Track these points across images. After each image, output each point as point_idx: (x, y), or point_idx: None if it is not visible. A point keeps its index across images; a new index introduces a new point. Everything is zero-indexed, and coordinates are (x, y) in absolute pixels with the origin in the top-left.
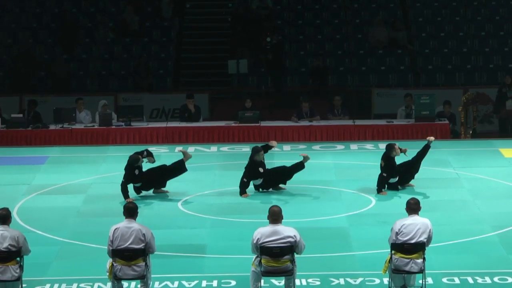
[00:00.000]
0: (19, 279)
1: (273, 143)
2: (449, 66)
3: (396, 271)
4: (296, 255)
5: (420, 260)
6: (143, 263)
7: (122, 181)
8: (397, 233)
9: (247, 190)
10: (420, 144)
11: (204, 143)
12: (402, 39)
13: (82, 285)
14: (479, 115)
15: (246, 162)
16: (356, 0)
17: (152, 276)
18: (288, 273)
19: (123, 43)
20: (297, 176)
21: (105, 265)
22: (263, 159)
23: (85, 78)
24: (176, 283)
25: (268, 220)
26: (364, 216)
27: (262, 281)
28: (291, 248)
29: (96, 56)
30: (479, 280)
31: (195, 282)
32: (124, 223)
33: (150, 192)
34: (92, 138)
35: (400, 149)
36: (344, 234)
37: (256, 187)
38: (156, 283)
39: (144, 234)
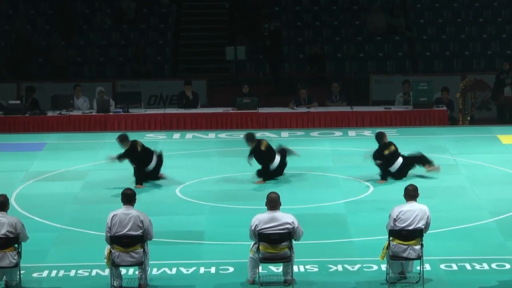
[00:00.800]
0: (17, 265)
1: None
2: (447, 53)
3: (394, 257)
4: (294, 242)
5: (418, 247)
6: (141, 250)
7: (135, 167)
8: (395, 220)
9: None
10: (418, 131)
11: (202, 129)
12: (400, 26)
13: (80, 271)
14: (477, 102)
15: (245, 148)
16: None
17: (150, 262)
18: (286, 260)
19: (121, 30)
20: (295, 163)
21: (103, 252)
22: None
23: (83, 65)
24: (174, 270)
25: (266, 207)
26: (362, 203)
27: (260, 267)
28: (289, 235)
29: (94, 43)
30: (477, 267)
31: (193, 268)
32: (122, 210)
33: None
34: (90, 124)
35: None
36: (342, 221)
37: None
38: (154, 270)
39: (142, 220)
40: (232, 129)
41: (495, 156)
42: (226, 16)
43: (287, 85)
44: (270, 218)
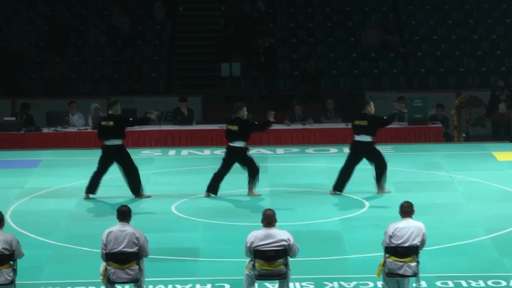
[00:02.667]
0: (12, 282)
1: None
2: (441, 69)
3: (389, 274)
4: (289, 259)
5: (413, 264)
6: (137, 267)
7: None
8: (390, 236)
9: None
10: (413, 148)
11: (197, 146)
12: (395, 42)
13: None
14: (472, 118)
15: (239, 166)
16: (349, 3)
17: (145, 279)
18: (282, 277)
19: (116, 46)
20: (290, 180)
21: (98, 269)
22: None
23: (78, 81)
24: (169, 287)
25: (261, 224)
26: (357, 220)
27: (256, 284)
28: (285, 252)
29: (89, 59)
30: (473, 284)
31: (189, 285)
32: (117, 227)
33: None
34: (85, 141)
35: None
36: (337, 238)
37: None
38: (150, 287)
39: (137, 237)
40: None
41: (490, 173)
42: (221, 33)
43: (282, 102)
44: (266, 235)
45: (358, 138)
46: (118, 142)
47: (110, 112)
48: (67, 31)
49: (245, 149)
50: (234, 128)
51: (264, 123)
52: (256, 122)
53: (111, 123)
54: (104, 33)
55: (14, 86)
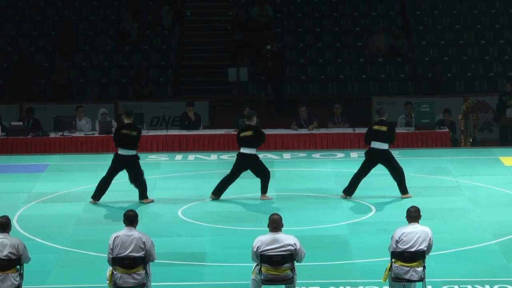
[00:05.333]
0: (19, 287)
1: None
2: (449, 74)
3: (396, 279)
4: (296, 263)
5: (420, 269)
6: (143, 271)
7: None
8: (397, 241)
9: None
10: (420, 152)
11: (204, 151)
12: (402, 47)
13: None
14: (479, 123)
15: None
16: (356, 8)
17: (152, 284)
18: (288, 281)
19: (123, 51)
20: (297, 184)
21: (105, 273)
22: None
23: (85, 86)
24: None
25: (268, 228)
26: (364, 224)
27: None
28: (291, 256)
29: (96, 64)
30: None
31: None
32: (124, 231)
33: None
34: (92, 146)
35: None
36: (344, 242)
37: None
38: None
39: (144, 242)
40: (234, 150)
41: (497, 177)
42: (228, 38)
43: (290, 107)
44: (272, 239)
45: (375, 145)
46: (133, 152)
47: (128, 121)
48: (75, 36)
49: (257, 156)
50: (249, 133)
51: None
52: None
53: (134, 133)
54: (112, 38)
55: (22, 90)
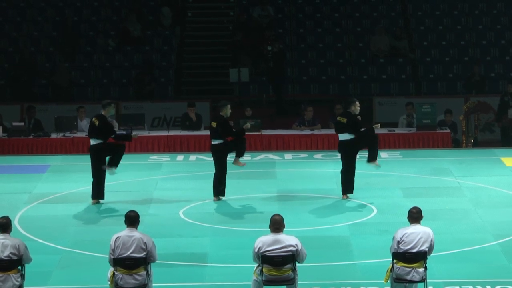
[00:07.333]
0: (20, 287)
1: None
2: (450, 75)
3: (397, 280)
4: (297, 264)
5: (421, 269)
6: (144, 272)
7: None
8: (398, 242)
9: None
10: (421, 153)
11: (205, 151)
12: (404, 48)
13: None
14: (481, 124)
15: (246, 171)
16: (358, 8)
17: (153, 285)
18: (290, 282)
19: (125, 51)
20: (298, 185)
21: (106, 274)
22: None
23: (87, 87)
24: None
25: (269, 229)
26: (365, 225)
27: None
28: (292, 257)
29: (98, 65)
30: None
31: None
32: (125, 232)
33: (151, 199)
34: None
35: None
36: (345, 243)
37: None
38: None
39: (145, 242)
40: None
41: (498, 178)
42: (230, 38)
43: (291, 107)
44: (274, 240)
45: (340, 137)
46: (99, 141)
47: (103, 113)
48: (76, 37)
49: (221, 148)
50: (214, 125)
51: (239, 131)
52: (234, 129)
53: (97, 123)
54: (113, 39)
55: (23, 91)
